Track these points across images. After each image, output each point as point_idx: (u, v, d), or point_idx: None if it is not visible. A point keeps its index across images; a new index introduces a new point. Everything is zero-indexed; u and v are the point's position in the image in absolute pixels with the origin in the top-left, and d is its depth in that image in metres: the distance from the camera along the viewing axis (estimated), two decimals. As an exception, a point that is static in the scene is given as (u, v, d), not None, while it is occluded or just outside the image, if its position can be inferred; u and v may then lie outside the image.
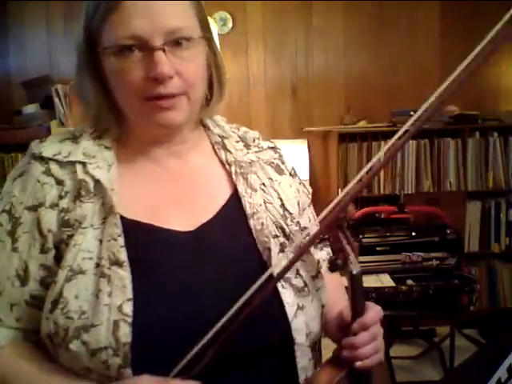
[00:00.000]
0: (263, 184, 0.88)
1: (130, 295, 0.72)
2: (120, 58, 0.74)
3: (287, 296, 0.79)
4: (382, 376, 0.89)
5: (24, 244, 0.77)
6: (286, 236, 0.84)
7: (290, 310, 0.78)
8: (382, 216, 3.25)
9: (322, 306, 0.84)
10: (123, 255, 0.74)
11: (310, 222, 0.92)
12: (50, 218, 0.76)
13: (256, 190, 0.85)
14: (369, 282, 2.57)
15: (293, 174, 0.94)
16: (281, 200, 0.87)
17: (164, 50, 0.74)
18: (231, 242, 0.81)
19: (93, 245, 0.75)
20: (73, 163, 0.79)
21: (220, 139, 0.90)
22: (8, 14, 3.60)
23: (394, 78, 3.62)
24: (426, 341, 3.12)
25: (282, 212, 0.86)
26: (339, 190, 3.37)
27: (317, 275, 0.85)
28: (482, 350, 1.30)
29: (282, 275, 0.75)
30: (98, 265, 0.74)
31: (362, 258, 2.71)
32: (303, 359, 0.80)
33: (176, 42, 0.75)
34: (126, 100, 0.77)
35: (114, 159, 0.81)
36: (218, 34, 3.24)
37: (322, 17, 3.63)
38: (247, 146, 0.91)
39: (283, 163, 0.94)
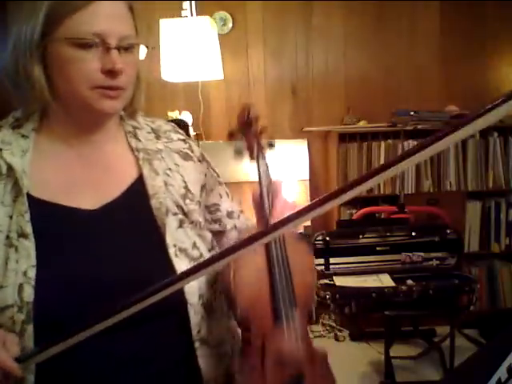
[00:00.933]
0: (169, 169, 1.01)
1: (34, 262, 0.86)
2: (79, 49, 0.87)
3: (181, 264, 0.92)
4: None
5: None
6: (185, 213, 0.98)
7: None
8: (382, 216, 3.25)
9: (217, 274, 0.98)
10: (29, 228, 0.87)
11: (222, 198, 1.11)
12: None
13: (158, 174, 0.98)
14: (369, 282, 2.57)
15: (201, 160, 1.08)
16: (184, 182, 1.01)
17: (119, 50, 0.89)
18: (132, 219, 0.94)
19: (4, 220, 0.88)
20: None
21: (133, 129, 1.03)
22: (8, 14, 3.60)
23: (394, 77, 3.62)
24: (426, 341, 3.12)
25: (183, 192, 0.99)
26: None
27: (211, 249, 1.01)
28: (482, 350, 1.30)
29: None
30: (7, 237, 0.87)
31: (362, 258, 2.71)
32: (196, 317, 0.94)
33: (125, 46, 0.90)
34: (75, 87, 0.89)
35: (30, 146, 0.94)
36: (218, 34, 3.24)
37: (322, 17, 3.63)
38: (157, 137, 1.04)
39: (192, 152, 1.07)
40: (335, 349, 3.28)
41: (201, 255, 0.96)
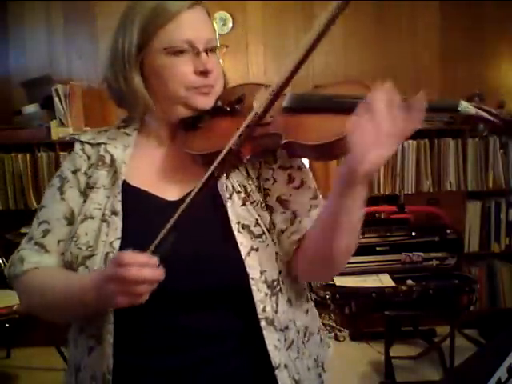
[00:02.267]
0: None
1: (119, 235, 0.99)
2: (172, 56, 1.00)
3: (242, 238, 0.98)
4: None
5: (69, 195, 1.07)
6: (247, 193, 1.03)
7: (243, 249, 0.97)
8: (382, 216, 3.25)
9: (276, 253, 1.01)
10: (119, 207, 1.01)
11: (276, 182, 1.07)
12: (82, 180, 1.08)
13: None
14: (369, 282, 2.57)
15: None
16: (245, 167, 1.06)
17: (207, 53, 1.01)
18: (204, 204, 0.98)
19: (102, 199, 1.04)
20: (99, 144, 1.10)
21: None
22: (8, 14, 3.61)
23: (394, 77, 3.61)
24: (426, 341, 3.12)
25: (246, 175, 1.05)
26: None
27: (270, 230, 1.03)
28: (482, 350, 1.30)
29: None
30: (103, 214, 1.02)
31: (361, 258, 2.71)
32: (259, 293, 0.97)
33: (210, 48, 1.02)
34: (173, 90, 1.01)
35: (131, 142, 1.10)
36: (218, 34, 3.24)
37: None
38: None
39: None
40: (335, 349, 3.27)
41: (263, 232, 1.00)
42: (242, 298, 0.97)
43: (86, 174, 1.08)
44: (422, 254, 2.71)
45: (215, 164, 0.91)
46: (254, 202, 1.03)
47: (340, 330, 3.43)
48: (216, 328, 1.00)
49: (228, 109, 1.05)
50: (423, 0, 3.59)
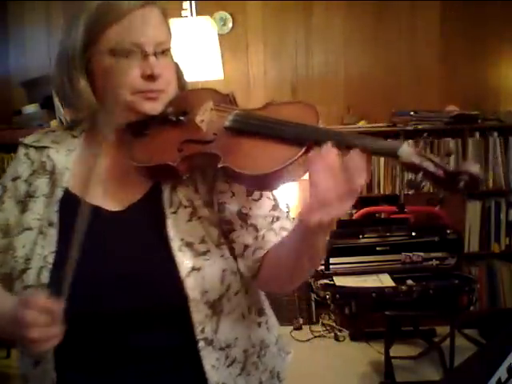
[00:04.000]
0: None
1: (54, 249, 0.95)
2: (119, 58, 0.94)
3: (183, 257, 0.94)
4: None
5: (7, 205, 1.02)
6: (195, 207, 0.98)
7: (182, 270, 0.93)
8: (382, 216, 3.25)
9: (224, 270, 0.97)
10: (55, 218, 0.97)
11: (234, 196, 1.03)
12: (21, 189, 1.02)
13: None
14: (369, 282, 2.57)
15: None
16: (194, 179, 1.01)
17: (156, 56, 0.95)
18: (146, 218, 0.99)
19: (41, 209, 0.99)
20: (43, 148, 1.04)
21: None
22: (8, 14, 3.61)
23: (394, 77, 3.62)
24: (426, 341, 3.12)
25: (193, 189, 1.00)
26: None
27: (219, 245, 0.98)
28: (482, 350, 1.30)
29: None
30: (41, 224, 0.98)
31: (361, 258, 2.71)
32: (199, 314, 0.94)
33: (161, 51, 0.96)
34: (118, 93, 0.95)
35: (77, 145, 1.05)
36: (218, 34, 3.24)
37: (322, 17, 3.63)
38: None
39: None
40: (335, 349, 3.28)
41: (208, 250, 0.96)
42: (181, 317, 0.94)
43: (26, 181, 1.02)
44: (422, 253, 2.71)
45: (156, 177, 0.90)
46: (201, 217, 0.98)
47: (340, 330, 3.43)
48: (153, 346, 0.96)
49: (174, 119, 0.98)
50: (423, 0, 3.59)
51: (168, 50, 0.99)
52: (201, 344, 0.94)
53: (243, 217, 0.99)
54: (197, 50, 2.96)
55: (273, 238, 0.97)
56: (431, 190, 3.73)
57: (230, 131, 0.93)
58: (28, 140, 1.07)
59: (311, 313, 3.59)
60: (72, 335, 0.88)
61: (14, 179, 1.03)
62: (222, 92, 1.04)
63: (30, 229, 0.98)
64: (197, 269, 0.94)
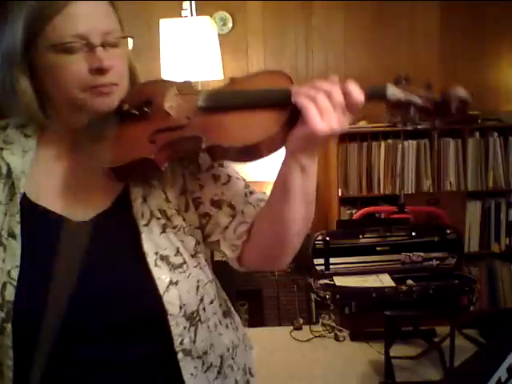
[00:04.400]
0: None
1: (18, 263, 0.88)
2: (63, 54, 0.86)
3: (160, 273, 0.90)
4: None
5: None
6: (168, 218, 0.94)
7: (161, 285, 0.89)
8: (382, 216, 3.25)
9: (198, 281, 0.95)
10: (17, 229, 0.89)
11: (204, 187, 0.99)
12: None
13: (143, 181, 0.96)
14: (369, 282, 2.57)
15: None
16: (163, 187, 0.96)
17: (103, 47, 0.88)
18: (117, 229, 0.93)
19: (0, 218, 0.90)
20: None
21: None
22: (8, 14, 3.60)
23: (394, 77, 3.62)
24: (426, 341, 3.12)
25: (165, 197, 0.95)
26: (339, 189, 3.37)
27: (195, 254, 0.96)
28: (481, 350, 1.30)
29: None
30: (1, 235, 0.89)
31: (361, 258, 2.71)
32: (177, 328, 0.91)
33: (110, 42, 0.89)
34: (67, 91, 0.88)
35: (33, 146, 0.95)
36: (218, 34, 3.24)
37: (322, 17, 3.63)
38: None
39: None
40: (335, 349, 3.28)
41: (184, 261, 0.93)
42: (159, 330, 0.91)
43: None
44: (422, 253, 2.71)
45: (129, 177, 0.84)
46: (176, 227, 0.94)
47: (340, 330, 3.43)
48: (129, 359, 0.93)
49: (137, 112, 0.92)
50: (423, 0, 3.59)
51: (118, 40, 0.91)
52: (180, 355, 0.92)
53: (217, 203, 0.96)
54: (197, 50, 2.96)
55: (252, 211, 0.95)
56: (431, 190, 3.69)
57: (204, 110, 0.88)
58: None
59: (311, 313, 3.59)
60: (33, 346, 0.85)
61: None
62: (172, 80, 0.99)
63: None
64: (174, 283, 0.91)
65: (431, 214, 3.18)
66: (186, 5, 3.12)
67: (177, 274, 0.92)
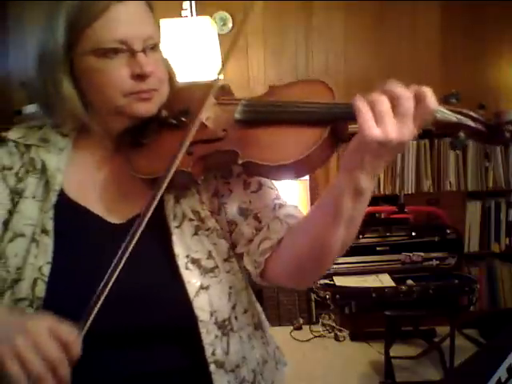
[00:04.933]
0: None
1: (50, 259, 0.87)
2: (104, 58, 0.86)
3: (190, 276, 0.87)
4: None
5: None
6: (201, 219, 0.91)
7: (191, 289, 0.86)
8: (382, 216, 3.25)
9: (230, 287, 0.91)
10: (50, 226, 0.88)
11: (232, 193, 0.95)
12: (10, 181, 0.92)
13: None
14: (369, 282, 2.57)
15: None
16: (197, 188, 0.94)
17: (145, 53, 0.87)
18: (150, 231, 0.84)
19: (34, 214, 0.89)
20: (30, 146, 0.94)
21: None
22: (8, 14, 3.60)
23: (394, 77, 3.60)
24: (426, 341, 3.12)
25: (199, 197, 0.93)
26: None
27: (228, 259, 0.92)
28: (482, 350, 1.30)
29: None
30: (34, 232, 0.88)
31: (361, 258, 2.71)
32: (208, 336, 0.87)
33: (150, 46, 0.89)
34: (108, 96, 0.88)
35: (68, 145, 0.95)
36: (218, 34, 3.24)
37: (322, 17, 3.63)
38: None
39: None
40: (335, 349, 3.28)
41: (215, 266, 0.90)
42: (189, 339, 0.88)
43: (17, 174, 0.93)
44: (422, 253, 2.71)
45: (162, 189, 0.79)
46: (209, 229, 0.91)
47: (340, 330, 3.43)
48: (159, 367, 0.89)
49: (174, 121, 0.90)
50: (423, 0, 3.59)
51: (157, 45, 0.91)
52: (212, 367, 0.88)
53: (244, 212, 0.92)
54: (197, 50, 2.96)
55: (278, 227, 0.89)
56: (431, 190, 3.69)
57: (242, 123, 0.85)
58: (13, 136, 0.96)
59: (311, 313, 3.59)
60: None
61: (2, 169, 0.93)
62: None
63: (22, 235, 0.89)
64: (205, 287, 0.88)
65: (431, 214, 3.17)
66: (186, 5, 3.12)
67: (208, 279, 0.88)
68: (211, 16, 3.38)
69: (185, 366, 0.90)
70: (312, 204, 3.51)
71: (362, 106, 0.73)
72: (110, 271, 0.77)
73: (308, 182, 3.48)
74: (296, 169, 0.80)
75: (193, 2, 3.12)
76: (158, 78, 0.90)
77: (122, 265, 0.77)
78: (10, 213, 0.91)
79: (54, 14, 0.89)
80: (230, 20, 3.59)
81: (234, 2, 3.57)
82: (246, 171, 0.87)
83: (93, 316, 0.76)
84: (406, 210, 3.02)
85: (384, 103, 0.72)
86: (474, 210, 3.48)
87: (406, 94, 0.72)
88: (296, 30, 3.63)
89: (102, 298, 0.76)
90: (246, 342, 0.95)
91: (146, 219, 0.78)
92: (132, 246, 0.77)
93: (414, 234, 2.76)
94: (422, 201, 3.35)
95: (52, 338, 0.70)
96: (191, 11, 3.13)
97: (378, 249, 2.73)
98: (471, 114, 0.74)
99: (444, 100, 0.77)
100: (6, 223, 0.90)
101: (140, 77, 0.86)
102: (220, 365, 0.89)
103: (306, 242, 0.84)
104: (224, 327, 0.90)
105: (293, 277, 0.90)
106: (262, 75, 3.64)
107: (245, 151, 0.82)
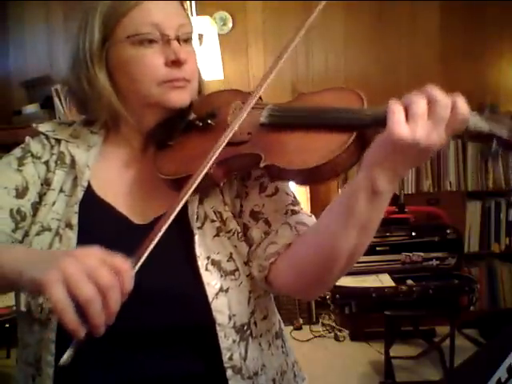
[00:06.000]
0: None
1: None
2: (139, 46, 0.87)
3: (210, 278, 0.85)
4: None
5: (28, 169, 0.93)
6: (223, 221, 0.90)
7: (210, 291, 0.85)
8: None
9: (250, 292, 0.89)
10: (74, 220, 0.88)
11: (248, 195, 0.94)
12: (40, 170, 0.94)
13: None
14: (369, 282, 2.57)
15: None
16: (220, 189, 0.93)
17: (179, 42, 0.89)
18: (172, 232, 0.82)
19: (61, 208, 0.90)
20: (59, 140, 0.96)
21: None
22: (8, 14, 3.61)
23: (394, 77, 3.62)
24: (426, 341, 3.12)
25: (221, 198, 0.92)
26: (339, 190, 3.37)
27: (248, 262, 0.90)
28: (482, 350, 1.30)
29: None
30: (58, 225, 0.89)
31: (361, 258, 2.70)
32: (226, 340, 0.85)
33: (184, 37, 0.90)
34: (142, 85, 0.89)
35: (97, 142, 0.96)
36: (218, 34, 3.24)
37: (322, 17, 3.62)
38: None
39: None
40: (335, 349, 3.28)
41: (236, 268, 0.88)
42: (206, 342, 0.86)
43: (46, 163, 0.94)
44: (422, 254, 2.71)
45: (188, 193, 0.78)
46: (231, 231, 0.89)
47: (340, 330, 3.43)
48: (174, 371, 0.87)
49: (200, 124, 0.90)
50: (423, 0, 3.59)
51: (190, 38, 0.93)
52: (229, 372, 0.85)
53: (255, 215, 0.90)
54: (197, 50, 2.96)
55: (288, 233, 0.86)
56: (431, 190, 3.68)
57: (267, 127, 0.85)
58: (43, 128, 0.98)
59: (311, 313, 3.59)
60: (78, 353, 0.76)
61: (33, 155, 0.95)
62: (244, 91, 0.96)
63: (49, 229, 0.89)
64: (224, 290, 0.86)
65: (431, 214, 3.17)
66: (185, 5, 3.12)
67: (228, 281, 0.87)
68: (211, 16, 3.38)
69: (201, 371, 0.88)
70: (312, 204, 3.52)
71: (395, 107, 0.71)
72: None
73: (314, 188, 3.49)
74: (318, 174, 0.78)
75: (193, 2, 3.12)
76: (191, 69, 0.91)
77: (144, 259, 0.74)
78: (40, 200, 0.92)
79: (89, 10, 0.91)
80: (230, 20, 3.60)
81: (234, 2, 3.57)
82: (268, 175, 0.84)
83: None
84: (406, 210, 3.01)
85: (420, 106, 0.69)
86: (474, 209, 3.48)
87: (445, 101, 0.69)
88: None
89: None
90: (265, 349, 0.93)
91: (172, 218, 0.77)
92: (154, 244, 0.75)
93: (413, 234, 2.76)
94: (422, 201, 3.35)
95: (105, 264, 0.66)
96: (191, 11, 3.13)
97: (377, 249, 2.73)
98: (504, 122, 0.71)
99: (477, 109, 0.73)
100: (34, 214, 0.91)
101: (174, 63, 0.88)
102: (237, 371, 0.87)
103: (314, 244, 0.82)
104: (243, 332, 0.88)
105: (297, 286, 0.87)
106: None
107: (267, 155, 0.81)
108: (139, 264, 0.72)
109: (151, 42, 0.88)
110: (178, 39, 0.89)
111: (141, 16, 0.87)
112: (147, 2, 0.88)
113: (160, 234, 0.75)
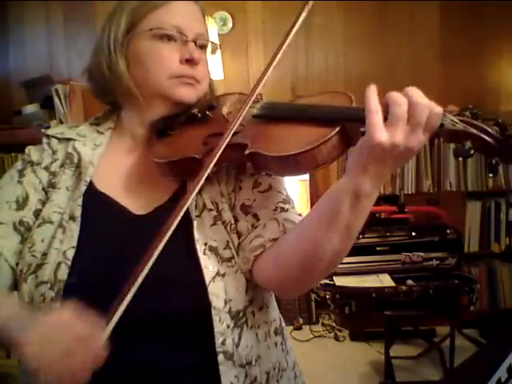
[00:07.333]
0: None
1: (75, 244, 0.89)
2: (159, 41, 0.94)
3: (208, 262, 0.88)
4: None
5: (29, 178, 0.98)
6: (219, 211, 0.93)
7: (207, 274, 0.87)
8: (382, 216, 3.25)
9: (247, 281, 0.91)
10: (78, 212, 0.92)
11: (241, 189, 0.97)
12: (42, 176, 0.98)
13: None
14: (369, 282, 2.57)
15: None
16: (218, 180, 0.96)
17: (195, 44, 0.96)
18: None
19: (64, 202, 0.95)
20: (67, 140, 1.01)
21: None
22: (8, 14, 3.61)
23: (394, 78, 3.62)
24: (426, 341, 3.12)
25: (218, 190, 0.95)
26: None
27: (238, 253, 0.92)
28: (482, 350, 1.30)
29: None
30: (61, 218, 0.93)
31: (361, 258, 2.71)
32: (220, 325, 0.87)
33: (200, 44, 0.98)
34: (154, 76, 0.95)
35: (104, 142, 1.02)
36: (218, 34, 3.24)
37: (322, 17, 3.63)
38: None
39: None
40: (335, 349, 3.28)
41: (232, 256, 0.90)
42: (200, 326, 0.87)
43: (47, 168, 0.99)
44: (422, 254, 2.71)
45: (196, 186, 0.83)
46: (224, 222, 0.92)
47: (340, 330, 3.43)
48: (170, 359, 0.88)
49: (199, 115, 0.96)
50: (423, 0, 3.59)
51: (206, 46, 1.01)
52: (220, 357, 0.86)
53: (245, 208, 0.92)
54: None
55: (275, 228, 0.88)
56: (431, 190, 3.68)
57: (258, 120, 0.90)
58: (51, 131, 1.04)
59: (311, 313, 3.59)
60: None
61: (38, 164, 1.00)
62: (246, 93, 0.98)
63: (50, 222, 0.93)
64: (221, 275, 0.88)
65: (431, 214, 3.17)
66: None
67: (225, 267, 0.89)
68: (211, 16, 3.38)
69: (197, 362, 0.89)
70: (312, 204, 3.52)
71: (373, 106, 0.72)
72: (141, 264, 0.78)
73: (308, 183, 3.49)
74: (297, 163, 0.80)
75: (193, 2, 3.13)
76: (202, 72, 0.98)
77: (155, 256, 0.78)
78: (43, 204, 0.96)
79: (118, 7, 0.98)
80: (230, 20, 3.60)
81: (234, 2, 3.57)
82: (253, 164, 0.88)
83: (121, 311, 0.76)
84: (406, 210, 3.02)
85: (402, 107, 0.70)
86: (474, 209, 3.48)
87: (425, 103, 0.70)
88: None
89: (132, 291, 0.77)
90: (261, 340, 0.94)
91: (187, 205, 0.83)
92: (168, 235, 0.79)
93: (414, 234, 2.76)
94: (422, 201, 3.35)
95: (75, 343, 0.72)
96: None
97: (378, 249, 2.73)
98: (483, 126, 0.72)
99: (458, 113, 0.74)
100: (38, 213, 0.95)
101: (188, 62, 0.95)
102: (229, 356, 0.87)
103: (297, 246, 0.83)
104: (238, 319, 0.89)
105: (279, 283, 0.89)
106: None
107: (253, 143, 0.85)
108: (112, 323, 0.75)
109: (170, 39, 0.95)
110: (195, 42, 0.96)
111: (166, 15, 0.95)
112: (174, 3, 0.96)
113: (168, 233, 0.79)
